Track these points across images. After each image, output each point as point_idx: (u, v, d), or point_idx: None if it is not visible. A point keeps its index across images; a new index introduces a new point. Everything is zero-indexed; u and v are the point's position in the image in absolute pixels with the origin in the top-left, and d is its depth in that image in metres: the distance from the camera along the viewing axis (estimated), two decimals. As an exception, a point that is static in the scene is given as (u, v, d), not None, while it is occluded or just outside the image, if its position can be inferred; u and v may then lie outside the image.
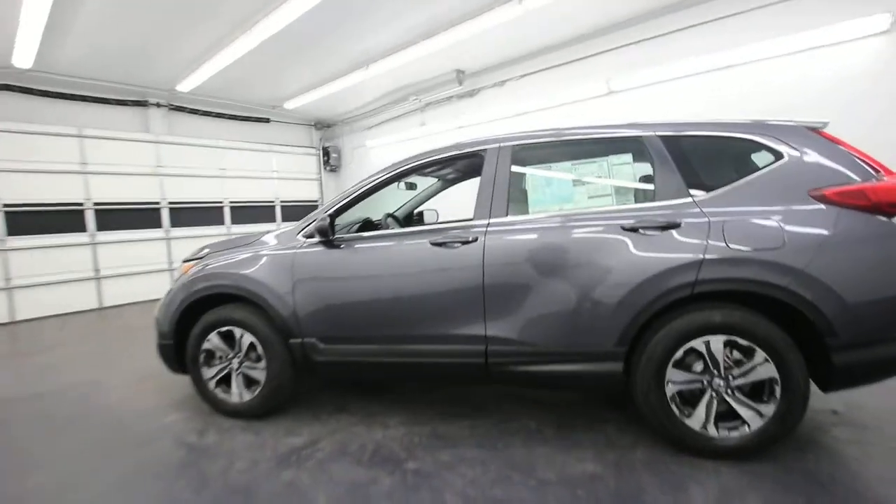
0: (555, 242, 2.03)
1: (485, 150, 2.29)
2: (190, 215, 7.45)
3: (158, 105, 7.11)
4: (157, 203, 7.09)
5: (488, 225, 2.13)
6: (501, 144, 2.26)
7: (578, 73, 5.58)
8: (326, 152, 9.29)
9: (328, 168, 9.37)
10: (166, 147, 7.18)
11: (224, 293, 2.50)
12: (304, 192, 9.20)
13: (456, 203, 4.14)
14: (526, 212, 2.19)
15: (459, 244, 2.13)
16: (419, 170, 2.43)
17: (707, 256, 1.82)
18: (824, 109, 3.85)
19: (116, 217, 6.67)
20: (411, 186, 3.72)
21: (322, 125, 9.36)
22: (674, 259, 1.85)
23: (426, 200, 3.94)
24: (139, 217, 6.91)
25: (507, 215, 2.14)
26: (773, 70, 4.46)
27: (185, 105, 7.38)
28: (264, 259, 2.46)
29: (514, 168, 2.22)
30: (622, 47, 5.19)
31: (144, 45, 5.19)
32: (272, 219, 8.65)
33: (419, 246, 2.22)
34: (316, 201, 9.44)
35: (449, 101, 7.12)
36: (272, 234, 2.61)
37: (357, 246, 2.36)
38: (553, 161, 2.26)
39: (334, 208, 2.43)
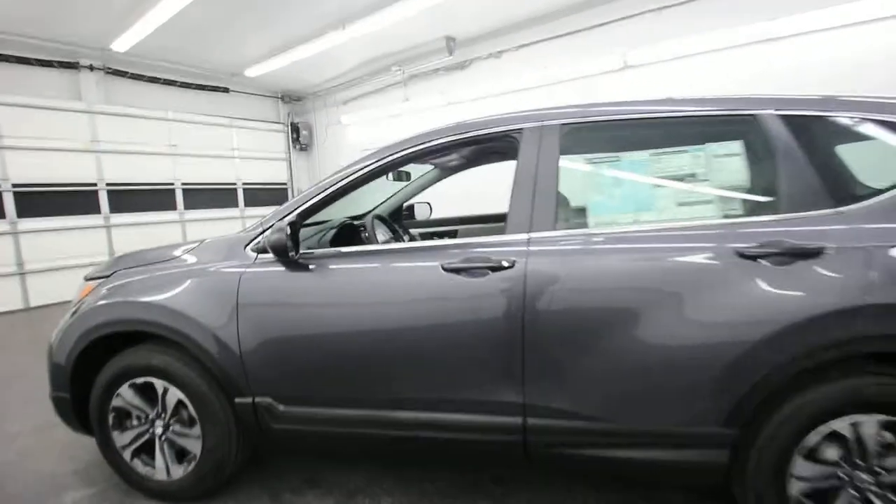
0: (631, 272, 1.37)
1: (520, 130, 1.59)
2: (134, 199, 6.45)
3: (92, 68, 6.00)
4: (92, 185, 6.06)
5: (529, 241, 1.45)
6: (545, 123, 1.56)
7: (589, 43, 4.87)
8: (296, 129, 8.33)
9: (298, 147, 8.42)
10: (103, 118, 6.11)
11: (138, 330, 1.74)
12: (270, 173, 8.24)
13: (447, 196, 3.48)
14: (584, 224, 1.51)
15: (487, 270, 1.44)
16: (420, 157, 1.71)
17: (869, 300, 1.20)
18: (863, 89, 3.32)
19: (41, 202, 5.62)
20: (403, 177, 2.98)
21: (290, 98, 8.36)
22: (818, 304, 1.22)
23: (419, 192, 3.21)
24: (71, 201, 5.88)
25: (555, 228, 1.46)
26: (813, 45, 3.88)
27: (124, 69, 6.29)
28: (195, 282, 1.71)
29: (566, 158, 1.53)
30: (640, 14, 4.50)
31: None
32: (233, 203, 7.71)
33: (426, 271, 1.52)
34: (284, 184, 8.50)
35: (436, 74, 6.31)
36: (209, 246, 1.84)
37: (332, 267, 1.64)
38: (622, 149, 1.58)
39: (297, 211, 1.69)
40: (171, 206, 6.89)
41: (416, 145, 1.66)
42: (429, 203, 3.60)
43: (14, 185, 5.42)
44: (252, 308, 1.62)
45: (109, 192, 6.21)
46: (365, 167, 1.68)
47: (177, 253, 1.85)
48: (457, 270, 1.46)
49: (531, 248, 1.43)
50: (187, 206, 7.06)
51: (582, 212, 1.52)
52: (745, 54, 4.10)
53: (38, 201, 5.57)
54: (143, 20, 4.69)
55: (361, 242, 2.29)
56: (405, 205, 3.40)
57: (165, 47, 5.69)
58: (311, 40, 5.43)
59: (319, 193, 1.70)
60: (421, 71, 6.34)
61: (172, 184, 6.88)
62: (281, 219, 1.65)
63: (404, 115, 6.77)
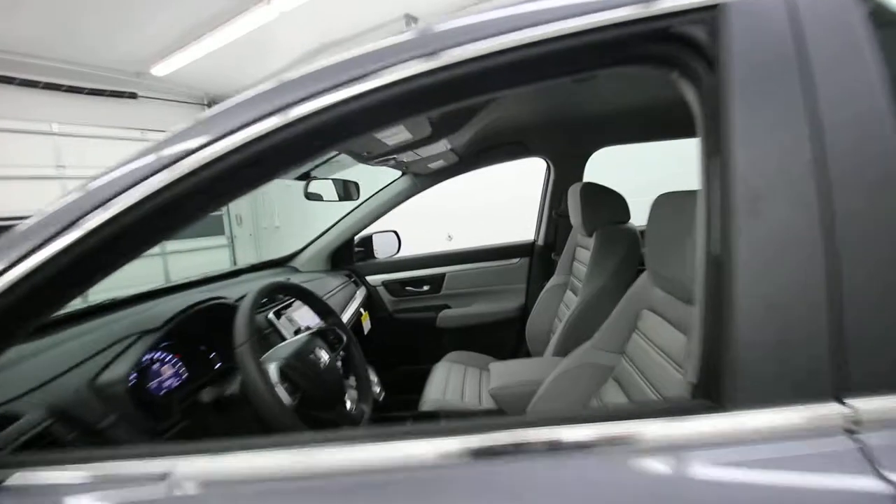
0: None
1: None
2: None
3: (-69, 66, 4.47)
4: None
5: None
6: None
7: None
8: (229, 142, 6.93)
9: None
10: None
11: None
12: (198, 195, 6.79)
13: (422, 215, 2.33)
14: None
15: None
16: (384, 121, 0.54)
17: None
18: None
19: None
20: (346, 193, 1.81)
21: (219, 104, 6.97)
22: None
23: (379, 216, 2.05)
24: None
25: None
26: None
27: (-16, 69, 4.77)
28: None
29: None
30: None
31: None
32: (150, 235, 6.19)
33: None
34: (219, 210, 7.05)
35: (394, 67, 5.16)
36: None
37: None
38: None
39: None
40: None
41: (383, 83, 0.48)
42: (395, 232, 2.41)
43: None
44: None
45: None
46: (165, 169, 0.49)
47: None
48: None
49: None
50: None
51: None
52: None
53: None
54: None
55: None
56: (357, 237, 2.20)
57: (35, 39, 4.28)
58: (229, 21, 4.17)
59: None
60: (376, 64, 5.18)
61: (62, 215, 5.33)
62: None
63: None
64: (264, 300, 1.15)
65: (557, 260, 2.01)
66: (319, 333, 1.05)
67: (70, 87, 5.44)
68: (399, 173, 2.00)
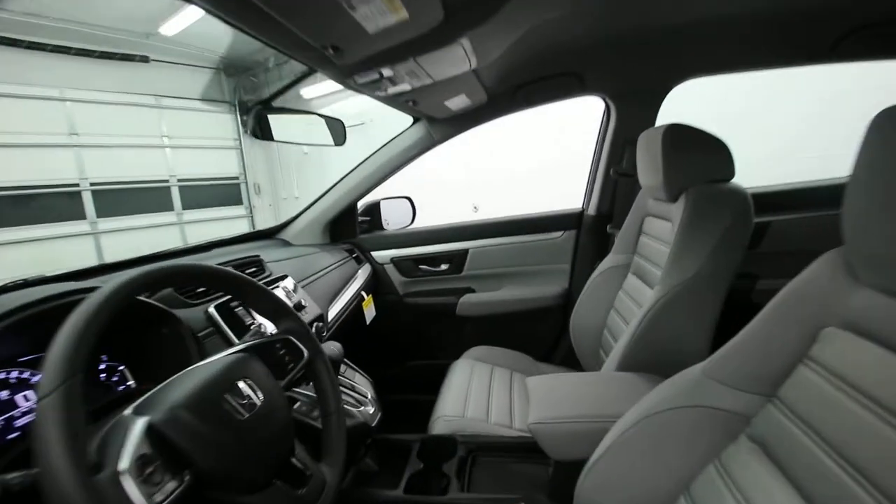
0: None
1: None
2: (28, 207, 4.76)
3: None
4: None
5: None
6: None
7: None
8: (246, 109, 6.61)
9: (248, 132, 6.70)
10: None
11: None
12: (215, 165, 6.56)
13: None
14: None
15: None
16: None
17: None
18: None
19: None
20: (332, 137, 1.39)
21: (236, 69, 6.63)
22: None
23: (388, 176, 1.63)
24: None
25: None
26: None
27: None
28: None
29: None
30: None
31: None
32: (167, 205, 6.03)
33: None
34: (236, 178, 6.84)
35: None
36: None
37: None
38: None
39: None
40: (80, 214, 5.21)
41: None
42: (408, 198, 1.99)
43: None
44: None
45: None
46: None
47: None
48: None
49: None
50: (102, 213, 5.38)
51: None
52: None
53: None
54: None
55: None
56: (361, 205, 1.80)
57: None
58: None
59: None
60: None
61: (78, 184, 5.19)
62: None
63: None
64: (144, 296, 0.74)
65: (615, 234, 1.55)
66: (258, 348, 0.65)
67: (79, 49, 5.18)
68: (409, 120, 1.56)
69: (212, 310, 0.87)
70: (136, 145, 5.70)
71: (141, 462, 0.44)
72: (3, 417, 0.61)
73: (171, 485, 0.45)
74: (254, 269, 1.10)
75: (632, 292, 1.30)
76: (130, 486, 0.41)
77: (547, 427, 0.85)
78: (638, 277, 1.31)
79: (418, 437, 1.14)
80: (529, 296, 1.75)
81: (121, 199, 5.58)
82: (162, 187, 6.03)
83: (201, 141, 6.37)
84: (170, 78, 5.97)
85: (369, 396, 1.07)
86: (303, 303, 1.11)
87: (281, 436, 0.58)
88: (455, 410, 1.24)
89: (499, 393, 1.35)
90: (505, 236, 1.75)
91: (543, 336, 1.78)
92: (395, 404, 1.93)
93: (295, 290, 1.12)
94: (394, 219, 1.94)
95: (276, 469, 0.57)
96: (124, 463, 0.43)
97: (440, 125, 1.52)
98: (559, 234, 1.72)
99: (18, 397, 0.64)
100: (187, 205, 6.23)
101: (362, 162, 1.63)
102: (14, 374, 0.65)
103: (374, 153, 1.62)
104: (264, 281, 1.07)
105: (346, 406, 1.01)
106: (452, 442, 1.10)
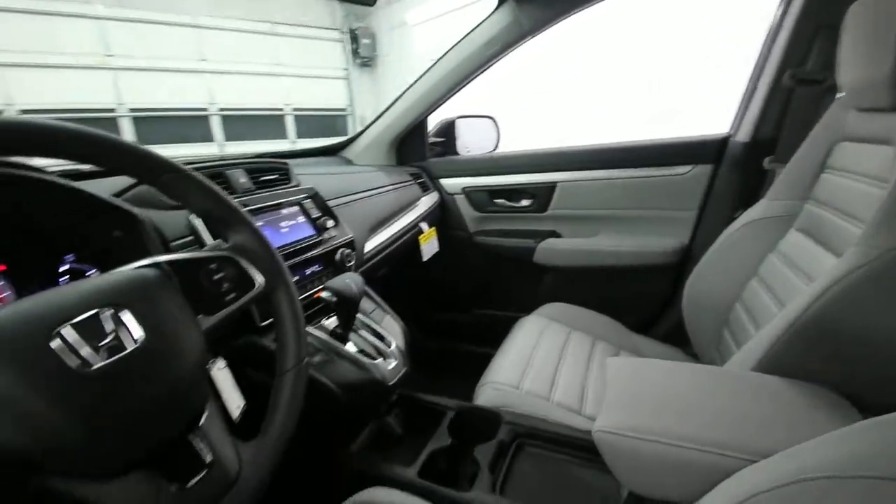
0: None
1: None
2: (163, 127, 5.35)
3: (93, -43, 4.73)
4: (109, 110, 5.04)
5: None
6: None
7: None
8: (356, 38, 6.53)
9: (359, 60, 6.66)
10: (116, 26, 4.91)
11: None
12: (325, 95, 6.68)
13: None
14: None
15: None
16: None
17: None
18: None
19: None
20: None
21: (347, -6, 6.49)
22: None
23: (465, 81, 1.31)
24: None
25: None
26: None
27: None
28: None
29: None
30: None
31: None
32: (281, 133, 6.36)
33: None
34: (343, 109, 6.93)
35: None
36: None
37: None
38: None
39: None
40: (207, 136, 5.73)
41: None
42: (492, 118, 1.65)
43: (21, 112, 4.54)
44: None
45: (134, 119, 5.17)
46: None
47: None
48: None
49: None
50: (229, 138, 5.86)
51: None
52: None
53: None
54: None
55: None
56: (435, 123, 1.53)
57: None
58: None
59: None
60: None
61: (206, 109, 5.66)
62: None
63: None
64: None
65: (776, 170, 1.07)
66: (180, 266, 0.44)
67: (206, -26, 5.42)
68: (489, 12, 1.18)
69: (193, 216, 0.69)
70: (255, 73, 5.98)
71: None
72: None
73: None
74: (273, 177, 0.91)
75: (795, 257, 0.86)
76: None
77: (620, 441, 0.54)
78: (808, 236, 0.86)
79: (456, 404, 0.91)
80: (632, 248, 1.35)
81: (243, 126, 5.99)
82: (278, 116, 6.35)
83: (312, 70, 6.49)
84: (283, 5, 6.05)
85: (394, 346, 0.86)
86: (327, 223, 0.90)
87: (165, 402, 0.38)
88: (509, 378, 0.97)
89: (572, 365, 1.05)
90: (606, 169, 1.35)
91: (645, 301, 1.39)
92: (446, 355, 1.74)
93: (318, 205, 0.92)
94: (472, 141, 1.63)
95: (149, 449, 0.37)
96: None
97: (531, 7, 1.13)
98: (686, 168, 1.26)
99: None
100: (300, 134, 6.52)
101: (432, 66, 1.33)
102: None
103: (444, 53, 1.29)
104: (279, 194, 0.88)
105: (360, 356, 0.80)
106: (496, 418, 0.85)
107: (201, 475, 0.39)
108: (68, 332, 0.34)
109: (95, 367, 0.34)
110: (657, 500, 0.53)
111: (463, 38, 1.27)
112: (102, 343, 0.35)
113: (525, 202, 1.47)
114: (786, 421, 0.52)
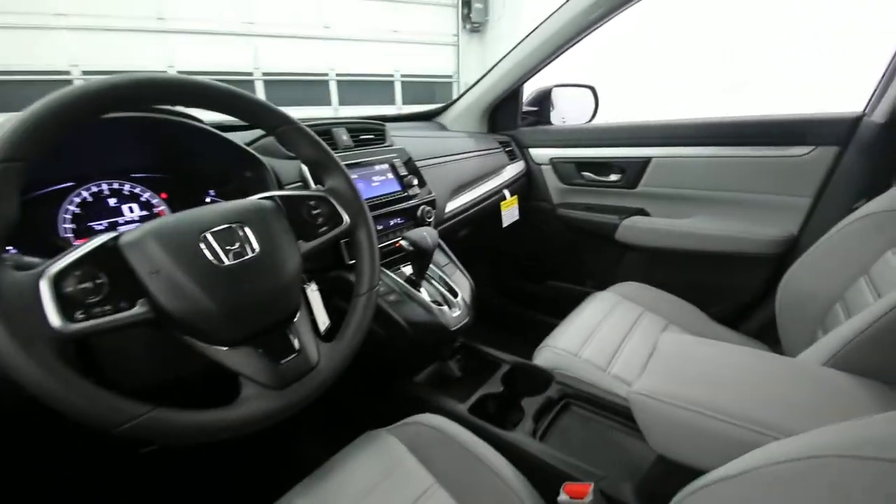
0: None
1: None
2: (287, 91, 5.92)
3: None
4: (248, 73, 5.69)
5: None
6: None
7: None
8: (468, 2, 6.47)
9: (468, 26, 6.62)
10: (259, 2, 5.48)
11: None
12: (432, 62, 6.79)
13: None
14: None
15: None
16: None
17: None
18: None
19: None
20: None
21: (463, -43, 6.41)
22: None
23: (553, 56, 1.32)
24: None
25: None
26: None
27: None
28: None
29: None
30: None
31: None
32: (388, 99, 6.66)
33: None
34: (450, 76, 6.99)
35: None
36: None
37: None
38: None
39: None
40: (325, 100, 6.22)
41: None
42: (591, 88, 1.62)
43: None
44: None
45: (265, 83, 5.80)
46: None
47: None
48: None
49: None
50: (343, 102, 6.31)
51: None
52: None
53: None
54: None
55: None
56: (531, 93, 1.54)
57: None
58: None
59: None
60: None
61: (326, 74, 6.12)
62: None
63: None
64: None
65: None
66: (287, 201, 0.56)
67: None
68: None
69: (302, 164, 0.82)
70: (371, 40, 6.27)
71: (80, 274, 0.40)
72: (108, 221, 0.70)
73: (108, 308, 0.41)
74: (371, 137, 1.02)
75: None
76: (45, 290, 0.38)
77: (653, 405, 0.56)
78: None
79: (513, 359, 0.97)
80: (733, 233, 1.25)
81: (357, 91, 6.38)
82: (387, 82, 6.64)
83: (423, 36, 6.61)
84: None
85: (460, 298, 0.94)
86: (413, 181, 0.99)
87: (270, 298, 0.50)
88: (569, 345, 1.01)
89: (638, 343, 1.04)
90: (709, 146, 1.25)
91: (735, 291, 1.30)
92: (515, 319, 1.78)
93: (406, 165, 1.01)
94: (568, 111, 1.60)
95: (258, 331, 0.49)
96: (54, 268, 0.39)
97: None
98: (806, 149, 1.12)
99: (125, 207, 0.72)
100: (406, 101, 6.76)
101: (529, 33, 1.32)
102: (127, 186, 0.73)
103: (543, 21, 1.28)
104: (374, 152, 0.99)
105: (429, 302, 0.90)
106: (547, 378, 0.90)
107: (291, 357, 0.52)
108: (210, 237, 0.47)
109: (226, 264, 0.47)
110: (682, 467, 0.55)
111: (564, 4, 1.24)
112: (231, 248, 0.48)
113: (614, 177, 1.43)
114: (831, 410, 0.50)
